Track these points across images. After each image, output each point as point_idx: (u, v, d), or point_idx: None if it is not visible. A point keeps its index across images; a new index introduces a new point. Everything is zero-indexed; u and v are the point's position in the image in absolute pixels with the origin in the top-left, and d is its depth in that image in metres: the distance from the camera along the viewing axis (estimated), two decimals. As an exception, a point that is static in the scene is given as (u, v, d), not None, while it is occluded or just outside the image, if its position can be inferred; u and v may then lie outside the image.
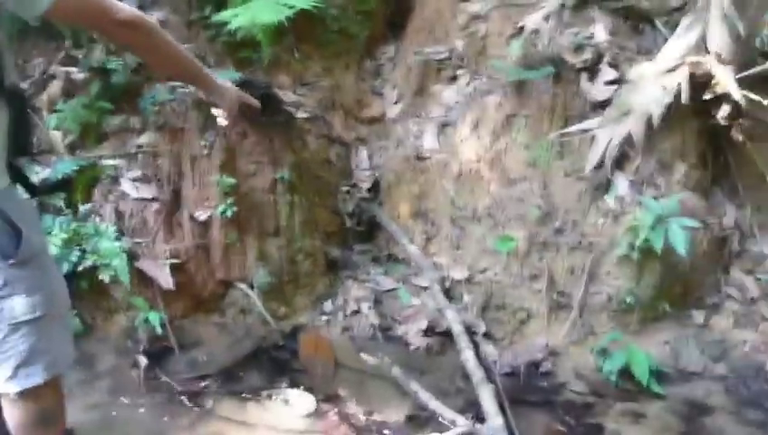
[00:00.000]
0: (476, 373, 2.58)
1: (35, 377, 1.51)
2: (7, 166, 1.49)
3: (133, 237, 2.80)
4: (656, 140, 2.94)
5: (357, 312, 2.98)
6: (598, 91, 3.00)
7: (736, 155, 3.22)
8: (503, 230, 3.00)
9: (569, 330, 2.89)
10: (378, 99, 3.82)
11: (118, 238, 2.73)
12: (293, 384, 2.60)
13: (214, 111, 2.26)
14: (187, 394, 2.49)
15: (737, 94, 2.83)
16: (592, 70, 3.03)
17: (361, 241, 3.45)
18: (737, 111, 2.97)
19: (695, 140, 3.08)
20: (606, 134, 2.92)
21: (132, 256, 2.72)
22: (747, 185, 3.21)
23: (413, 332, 2.89)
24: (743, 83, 2.95)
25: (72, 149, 2.97)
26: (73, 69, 3.09)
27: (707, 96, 2.90)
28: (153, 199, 2.86)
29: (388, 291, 3.12)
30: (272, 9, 2.99)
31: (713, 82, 2.89)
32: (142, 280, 2.75)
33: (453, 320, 2.84)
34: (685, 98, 2.83)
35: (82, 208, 2.80)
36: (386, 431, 2.37)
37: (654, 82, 2.94)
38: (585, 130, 2.97)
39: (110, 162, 2.93)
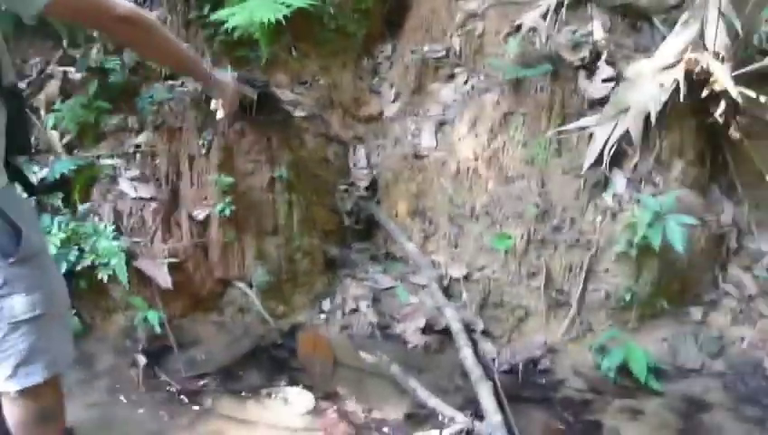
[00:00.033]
0: (475, 371, 2.58)
1: (35, 376, 1.52)
2: (5, 165, 1.50)
3: (131, 237, 2.80)
4: (653, 137, 2.95)
5: (355, 310, 2.99)
6: (595, 88, 3.00)
7: (734, 152, 3.22)
8: (500, 228, 3.00)
9: (567, 327, 2.90)
10: (375, 97, 3.83)
11: (116, 238, 2.72)
12: (292, 383, 2.60)
13: (213, 103, 2.27)
14: (187, 393, 2.49)
15: (734, 92, 2.83)
16: (590, 67, 3.04)
17: (360, 240, 3.45)
18: (735, 108, 2.98)
19: (692, 138, 3.08)
20: (604, 132, 2.92)
21: (131, 256, 2.72)
22: (745, 182, 3.22)
23: (411, 330, 2.89)
24: (740, 81, 2.95)
25: (69, 148, 2.98)
26: (71, 69, 3.10)
27: (705, 94, 2.91)
28: (151, 199, 2.87)
29: (387, 289, 3.12)
30: (269, 8, 2.99)
31: (710, 79, 2.90)
32: (141, 279, 2.74)
33: (451, 318, 2.85)
34: (682, 95, 2.83)
35: (81, 208, 2.80)
36: (385, 429, 2.37)
37: (651, 80, 2.94)
38: (583, 128, 2.97)
39: (108, 162, 2.94)
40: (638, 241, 2.74)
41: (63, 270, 2.52)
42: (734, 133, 3.08)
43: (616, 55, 3.08)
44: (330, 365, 2.73)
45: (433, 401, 2.47)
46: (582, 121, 2.98)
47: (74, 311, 2.58)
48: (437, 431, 2.31)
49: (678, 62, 2.93)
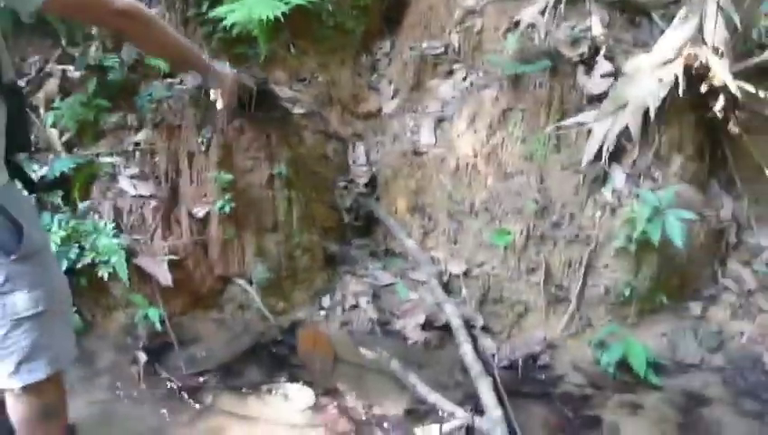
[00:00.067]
0: (475, 366, 2.59)
1: (38, 372, 1.52)
2: (6, 162, 1.50)
3: (131, 234, 2.80)
4: (652, 132, 2.95)
5: (355, 306, 2.99)
6: (594, 84, 3.00)
7: (733, 147, 3.23)
8: (500, 224, 3.01)
9: (567, 323, 2.90)
10: (374, 94, 3.83)
11: (116, 235, 2.73)
12: (293, 379, 2.60)
13: (212, 94, 2.28)
14: (187, 390, 2.49)
15: (733, 86, 2.84)
16: (589, 63, 3.04)
17: (359, 236, 3.46)
18: (734, 103, 2.98)
19: (691, 133, 3.09)
20: (602, 127, 2.92)
21: (131, 253, 2.72)
22: (744, 177, 3.23)
23: (411, 326, 2.90)
24: (739, 75, 2.95)
25: (69, 146, 2.98)
26: (70, 67, 3.09)
27: (704, 89, 2.91)
28: (151, 196, 2.87)
29: (387, 286, 3.13)
30: (267, 5, 2.99)
31: (709, 74, 2.90)
32: (141, 277, 2.75)
33: (451, 314, 2.85)
34: (681, 90, 2.83)
35: (81, 206, 2.80)
36: (385, 424, 2.38)
37: (650, 75, 2.94)
38: (581, 124, 2.97)
39: (108, 160, 2.94)
40: (638, 236, 2.74)
41: (64, 268, 2.52)
42: (734, 128, 3.08)
43: (614, 51, 3.08)
44: (330, 361, 2.73)
45: (433, 397, 2.47)
46: (581, 117, 2.98)
47: (75, 308, 2.58)
48: (438, 427, 2.32)
49: (677, 57, 2.93)
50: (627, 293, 2.84)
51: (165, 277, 2.73)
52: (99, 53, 3.05)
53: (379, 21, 3.96)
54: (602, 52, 3.04)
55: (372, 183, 3.57)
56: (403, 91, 3.68)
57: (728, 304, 2.98)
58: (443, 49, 3.56)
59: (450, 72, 3.53)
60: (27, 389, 1.53)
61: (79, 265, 2.63)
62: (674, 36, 2.99)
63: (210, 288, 2.93)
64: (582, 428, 2.43)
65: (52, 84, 3.07)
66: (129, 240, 2.76)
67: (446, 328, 2.86)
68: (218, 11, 3.11)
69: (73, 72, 3.02)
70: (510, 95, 3.07)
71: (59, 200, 2.79)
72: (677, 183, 2.93)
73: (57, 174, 2.74)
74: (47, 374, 1.54)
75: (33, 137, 2.83)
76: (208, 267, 2.92)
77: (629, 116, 2.90)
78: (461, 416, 2.36)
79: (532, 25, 3.14)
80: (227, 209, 2.83)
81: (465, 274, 3.06)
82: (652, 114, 2.86)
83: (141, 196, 2.85)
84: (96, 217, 2.79)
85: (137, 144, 2.97)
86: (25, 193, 1.66)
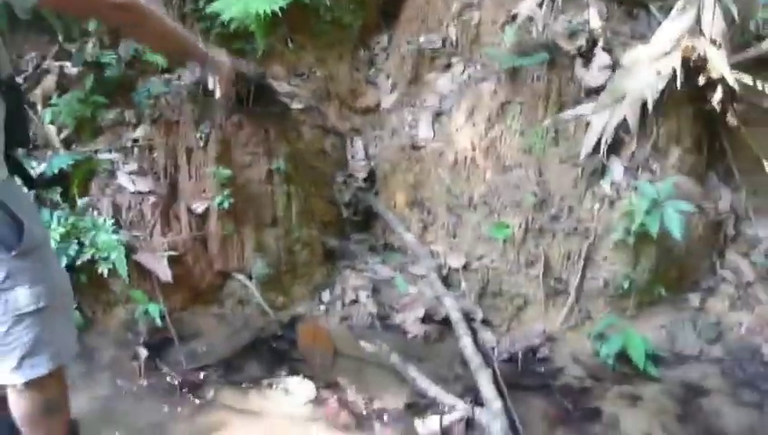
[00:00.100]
0: (474, 359, 2.60)
1: (40, 368, 1.53)
2: (5, 158, 1.50)
3: (131, 230, 2.80)
4: (650, 124, 2.95)
5: (355, 301, 3.00)
6: (592, 76, 3.00)
7: (731, 139, 3.23)
8: (498, 217, 3.01)
9: (566, 315, 2.91)
10: (372, 88, 3.83)
11: (115, 232, 2.73)
12: (293, 373, 2.61)
13: (210, 82, 2.29)
14: (188, 385, 2.50)
15: (731, 78, 2.84)
16: (587, 56, 3.04)
17: (358, 231, 3.47)
18: (732, 95, 2.98)
19: (689, 125, 3.09)
20: (600, 120, 2.92)
21: (130, 249, 2.72)
22: (742, 169, 3.23)
23: (411, 320, 2.90)
24: (737, 67, 2.96)
25: (67, 143, 2.98)
26: (67, 63, 3.09)
27: (702, 81, 2.91)
28: (150, 192, 2.87)
29: (386, 280, 3.14)
30: (264, 0, 2.98)
31: (707, 66, 2.90)
32: (141, 273, 2.75)
33: (451, 307, 2.86)
34: (679, 83, 2.84)
35: (79, 202, 2.80)
36: (386, 417, 2.39)
37: (648, 67, 2.94)
38: (579, 116, 2.97)
39: (106, 156, 2.94)
40: (636, 229, 2.75)
41: (64, 264, 2.52)
42: (732, 120, 3.09)
43: (612, 43, 3.08)
44: (330, 356, 2.74)
45: (433, 390, 2.48)
46: (579, 109, 2.98)
47: (75, 305, 2.59)
48: (438, 419, 2.33)
49: (675, 49, 2.92)
50: (626, 285, 2.85)
51: (164, 273, 2.73)
52: (96, 50, 3.04)
53: (377, 15, 3.96)
54: (600, 44, 3.04)
55: (371, 178, 3.57)
56: (401, 85, 3.67)
57: (727, 296, 2.99)
58: (440, 43, 3.56)
59: (448, 66, 3.52)
60: (30, 384, 1.54)
61: (78, 262, 2.63)
62: (671, 28, 2.99)
63: (210, 284, 2.93)
64: (582, 419, 2.44)
65: (49, 81, 3.06)
66: (129, 236, 2.76)
67: (446, 321, 2.87)
68: (215, 6, 3.11)
69: (71, 69, 3.02)
70: (508, 88, 3.07)
71: (57, 197, 2.79)
72: (676, 175, 2.93)
73: (55, 171, 2.74)
74: (49, 369, 1.54)
75: (31, 134, 2.83)
76: (208, 263, 2.92)
77: (627, 108, 2.90)
78: (461, 408, 2.37)
79: (530, 18, 3.14)
80: (226, 205, 2.83)
81: (465, 267, 3.06)
82: (650, 106, 2.87)
83: (140, 192, 2.85)
84: (95, 213, 2.80)
85: (135, 140, 2.97)
86: (25, 189, 1.66)
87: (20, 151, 1.65)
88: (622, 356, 2.66)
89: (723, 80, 2.89)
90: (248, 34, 3.32)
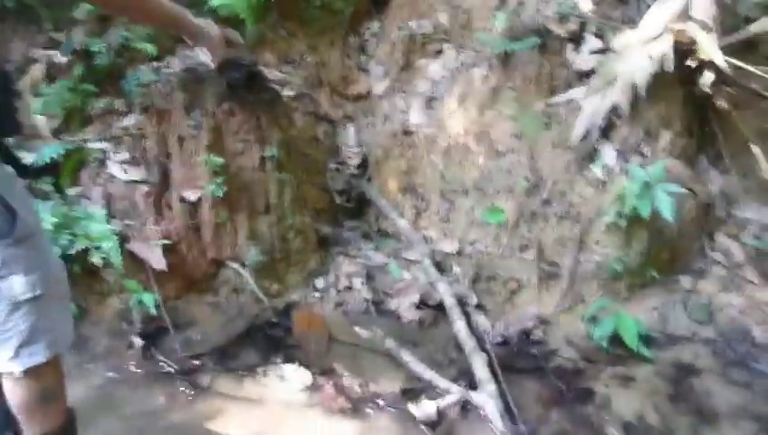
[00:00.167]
0: (469, 343, 2.61)
1: (37, 356, 1.52)
2: (-4, 146, 1.49)
3: (123, 220, 2.79)
4: (641, 108, 2.96)
5: (349, 287, 3.00)
6: (583, 60, 3.01)
7: (721, 122, 3.25)
8: (491, 202, 3.02)
9: (559, 299, 2.93)
10: (363, 75, 3.82)
11: (108, 221, 2.72)
12: (288, 360, 2.61)
13: (201, 55, 2.30)
14: (184, 373, 2.51)
15: (721, 61, 2.85)
16: (578, 40, 3.04)
17: (351, 217, 3.47)
18: (722, 78, 3.00)
19: (680, 109, 3.11)
20: (592, 104, 2.94)
21: (123, 239, 2.71)
22: (732, 152, 3.26)
23: (405, 305, 2.92)
24: (726, 50, 2.97)
25: (56, 133, 2.95)
26: (55, 52, 3.06)
27: (691, 64, 2.92)
28: (142, 181, 2.85)
29: (380, 266, 3.15)
30: (254, -14, 2.96)
31: (696, 49, 2.91)
32: (134, 262, 2.74)
33: (444, 292, 2.87)
34: (670, 66, 2.85)
35: (71, 192, 2.79)
36: (381, 402, 2.40)
37: (639, 51, 2.95)
38: (571, 100, 2.98)
39: (97, 145, 2.92)
40: (628, 211, 2.76)
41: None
42: (721, 103, 3.11)
43: (603, 28, 3.08)
44: (325, 342, 2.75)
45: (428, 374, 2.50)
46: (570, 94, 3.00)
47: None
48: (433, 403, 2.35)
49: (665, 32, 2.93)
50: (618, 268, 2.87)
51: (158, 262, 2.73)
52: (84, 38, 3.01)
53: (367, 1, 3.93)
54: (591, 28, 3.04)
55: (364, 164, 3.57)
56: (392, 71, 3.66)
57: (717, 278, 3.01)
58: (432, 28, 3.55)
59: (439, 52, 3.52)
60: (27, 372, 1.53)
61: (71, 252, 2.62)
62: (660, 12, 3.00)
63: (204, 272, 2.93)
64: (575, 400, 2.46)
65: (37, 70, 3.03)
66: (122, 226, 2.75)
67: (440, 307, 2.88)
68: (204, -8, 3.09)
69: (59, 58, 2.99)
70: (500, 73, 3.08)
71: (48, 187, 2.78)
72: (666, 159, 2.95)
73: (46, 160, 2.72)
74: (47, 357, 1.54)
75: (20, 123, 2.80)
76: (201, 251, 2.91)
77: (619, 92, 2.92)
78: (456, 391, 2.39)
79: (521, 3, 3.14)
80: (219, 193, 2.82)
81: (458, 252, 3.08)
82: (641, 90, 2.88)
83: (132, 181, 2.83)
84: (87, 203, 2.78)
85: (125, 129, 2.95)
86: (17, 178, 1.65)
87: (10, 141, 1.63)
88: (615, 338, 2.68)
89: (712, 63, 2.90)
90: (238, 21, 3.30)
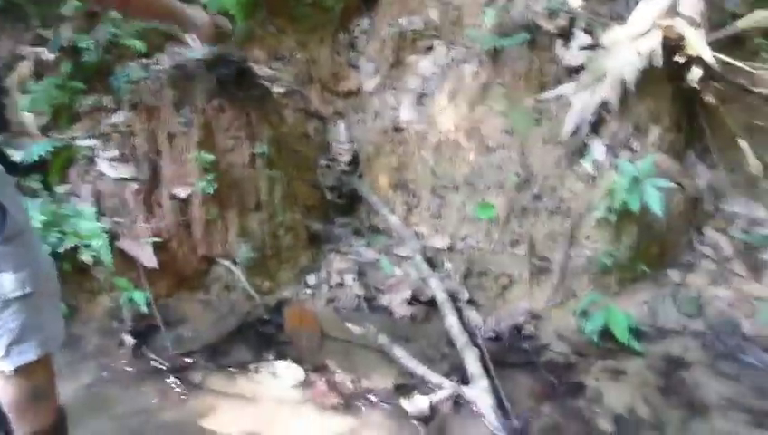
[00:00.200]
0: (461, 338, 2.62)
1: (28, 354, 1.51)
2: (-17, 143, 1.48)
3: (113, 217, 2.77)
4: (631, 104, 2.98)
5: (341, 284, 3.00)
6: (572, 56, 3.03)
7: (709, 117, 3.28)
8: (482, 198, 3.03)
9: (550, 293, 2.94)
10: (354, 72, 3.82)
11: (97, 219, 2.70)
12: (280, 357, 2.61)
13: (191, 41, 2.31)
14: (176, 370, 2.49)
15: (709, 57, 2.87)
16: (567, 36, 3.05)
17: (342, 214, 3.47)
18: (709, 73, 3.02)
19: (668, 104, 3.13)
20: (581, 99, 2.95)
21: (113, 237, 2.70)
22: (720, 146, 3.28)
23: (397, 301, 2.92)
24: (713, 46, 2.99)
25: (44, 130, 2.93)
26: (43, 49, 3.03)
27: (680, 59, 2.94)
28: (132, 179, 2.84)
29: (371, 262, 3.15)
30: (243, -18, 2.95)
31: (684, 45, 2.93)
32: (124, 260, 2.72)
33: (436, 288, 2.88)
34: (659, 62, 2.86)
35: (60, 190, 2.77)
36: (374, 398, 2.40)
37: (628, 47, 2.97)
38: (561, 96, 2.99)
39: (85, 143, 2.90)
40: (618, 206, 2.78)
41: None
42: (709, 98, 3.13)
43: (592, 23, 3.10)
44: (317, 338, 2.75)
45: (420, 370, 2.50)
46: (560, 89, 3.01)
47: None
48: (425, 398, 2.35)
49: (653, 28, 2.95)
50: (608, 262, 2.88)
51: (149, 259, 2.71)
52: (72, 35, 2.99)
53: (357, -2, 3.94)
54: (580, 24, 3.06)
55: (354, 161, 3.57)
56: (383, 68, 3.67)
57: (706, 271, 3.04)
58: (422, 25, 3.55)
59: (430, 48, 3.52)
60: (17, 371, 1.52)
61: (60, 250, 2.60)
62: (648, 8, 3.01)
63: (195, 269, 2.91)
64: (567, 394, 2.47)
65: (24, 67, 3.01)
66: (111, 223, 2.73)
67: (432, 302, 2.89)
68: (193, -11, 3.06)
69: (47, 55, 2.96)
70: (490, 69, 3.08)
71: (37, 185, 2.75)
72: (655, 154, 2.97)
73: (35, 158, 2.70)
74: (38, 356, 1.52)
75: (7, 121, 2.78)
76: (192, 248, 2.90)
77: (608, 88, 2.93)
78: (448, 386, 2.39)
79: (511, -1, 3.15)
80: (210, 190, 2.81)
81: (450, 248, 3.08)
82: (630, 86, 2.89)
83: (122, 178, 2.81)
84: (76, 200, 2.76)
85: (114, 126, 2.93)
86: (6, 175, 1.63)
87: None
88: (606, 332, 2.70)
89: (700, 59, 2.92)
90: (228, 18, 3.27)
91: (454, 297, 2.89)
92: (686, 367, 2.63)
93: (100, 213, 2.75)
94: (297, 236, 3.10)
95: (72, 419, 1.77)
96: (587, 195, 2.91)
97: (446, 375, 2.48)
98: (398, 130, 3.36)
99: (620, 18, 3.16)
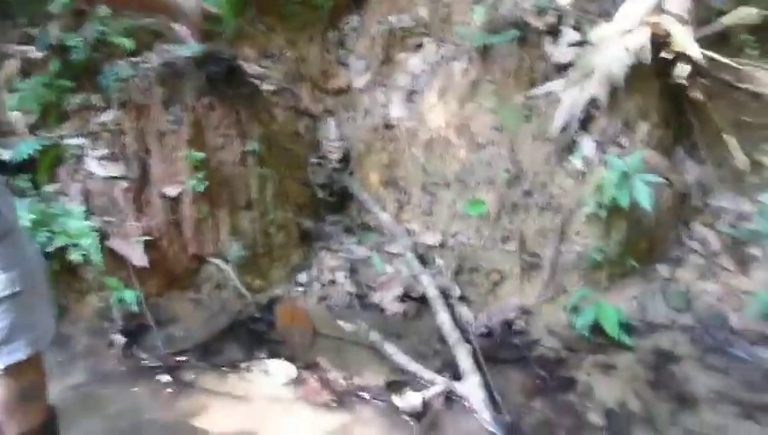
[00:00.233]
0: (452, 335, 2.63)
1: (18, 353, 1.50)
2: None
3: (102, 216, 2.76)
4: (620, 100, 3.00)
5: (332, 281, 3.00)
6: (561, 53, 3.04)
7: (697, 113, 3.30)
8: (473, 194, 3.04)
9: (541, 289, 2.95)
10: (343, 70, 3.82)
11: (87, 218, 2.68)
12: (272, 355, 2.61)
13: (178, 29, 2.31)
14: (167, 370, 2.48)
15: (697, 53, 2.89)
16: (556, 33, 3.07)
17: (333, 212, 3.47)
18: (696, 69, 3.04)
19: (657, 100, 3.15)
20: (570, 96, 2.96)
21: (103, 236, 2.68)
22: (707, 142, 3.30)
23: (389, 298, 2.92)
24: (699, 42, 3.01)
25: (32, 129, 2.91)
26: (30, 47, 3.01)
27: (667, 56, 2.96)
28: (121, 177, 2.82)
29: (363, 259, 3.15)
30: (232, -20, 2.95)
31: (670, 41, 2.95)
32: (114, 259, 2.71)
33: (428, 285, 2.89)
34: (647, 58, 2.88)
35: (48, 189, 2.75)
36: (366, 395, 2.41)
37: (616, 43, 2.98)
38: (550, 93, 3.00)
39: (74, 141, 2.88)
40: (607, 202, 2.80)
41: (34, 252, 2.47)
42: (696, 94, 3.15)
43: (581, 20, 3.11)
44: (309, 336, 2.75)
45: (413, 366, 2.51)
46: (549, 86, 3.02)
47: (47, 293, 2.54)
48: (418, 395, 2.35)
49: (640, 25, 2.97)
50: (598, 258, 2.90)
51: (139, 258, 2.70)
52: (60, 33, 2.97)
53: (346, -4, 3.94)
54: (568, 21, 3.07)
55: (345, 158, 3.57)
56: (373, 65, 3.67)
57: (694, 266, 3.06)
58: (412, 22, 3.56)
59: (419, 46, 3.53)
60: (6, 370, 1.51)
61: (49, 250, 2.58)
62: (635, 5, 3.03)
63: (186, 268, 2.90)
64: (558, 389, 2.49)
65: (11, 66, 2.99)
66: (101, 222, 2.72)
67: (423, 299, 2.89)
68: (182, -14, 3.04)
69: (35, 53, 2.94)
70: (479, 66, 3.09)
71: (25, 184, 2.73)
72: (644, 149, 2.98)
73: (23, 157, 2.68)
74: (27, 355, 1.51)
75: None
76: (183, 247, 2.89)
77: (596, 84, 2.95)
78: (440, 382, 2.40)
79: (499, -4, 3.16)
80: (200, 188, 2.80)
81: (441, 245, 3.09)
82: (619, 83, 2.91)
83: (111, 177, 2.80)
84: (65, 199, 2.74)
85: (103, 125, 2.91)
86: (-6, 173, 1.62)
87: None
88: (596, 327, 2.71)
89: (686, 55, 2.94)
90: (217, 16, 3.26)
91: (445, 294, 2.90)
92: (676, 361, 2.65)
93: (90, 212, 2.73)
94: (288, 234, 3.10)
95: (63, 419, 1.76)
96: (576, 191, 2.92)
97: (438, 371, 2.49)
98: (388, 127, 3.36)
99: (608, 15, 3.18)
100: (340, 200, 3.50)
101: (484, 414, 2.27)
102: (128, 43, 3.01)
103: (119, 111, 2.89)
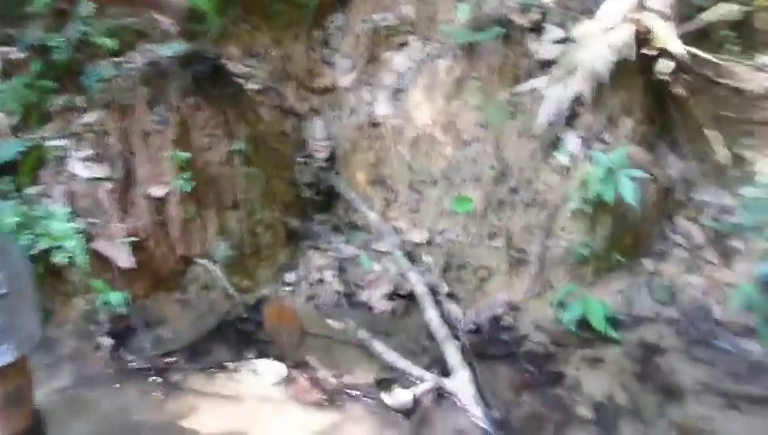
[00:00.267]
0: (441, 331, 2.64)
1: (3, 356, 1.48)
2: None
3: (87, 218, 2.73)
4: (604, 96, 3.02)
5: (320, 280, 3.00)
6: (545, 50, 3.06)
7: (679, 109, 3.33)
8: (459, 192, 3.05)
9: (528, 285, 2.97)
10: (329, 68, 3.81)
11: (70, 220, 2.66)
12: (261, 355, 2.60)
13: (163, 19, 2.31)
14: (155, 371, 2.47)
15: (680, 49, 2.92)
16: (539, 30, 3.09)
17: (321, 211, 3.46)
18: (679, 66, 3.08)
19: (640, 96, 3.17)
20: (555, 92, 2.98)
21: (87, 238, 2.66)
22: (690, 137, 3.34)
23: (377, 296, 2.93)
24: (682, 39, 3.05)
25: (14, 130, 2.87)
26: (11, 48, 2.97)
27: (650, 52, 2.99)
28: (105, 178, 2.80)
29: (350, 258, 3.15)
30: (216, -22, 2.93)
31: (651, 38, 2.98)
32: (99, 261, 2.69)
33: (416, 282, 2.90)
34: (631, 54, 2.90)
35: (31, 191, 2.72)
36: (356, 393, 2.41)
37: (599, 40, 3.00)
38: (535, 89, 3.02)
39: (57, 143, 2.85)
40: (592, 197, 2.82)
41: (18, 255, 2.44)
42: (678, 90, 3.19)
43: (564, 17, 3.13)
44: (297, 335, 2.74)
45: (402, 363, 2.52)
46: (533, 83, 3.04)
47: (31, 296, 2.51)
48: (407, 392, 2.36)
49: (623, 22, 2.99)
50: (584, 253, 2.92)
51: (125, 260, 2.68)
52: (41, 33, 2.93)
53: (331, -6, 3.92)
54: (551, 18, 3.09)
55: (331, 157, 3.56)
56: (358, 64, 3.66)
57: (679, 259, 3.09)
58: (396, 20, 3.56)
59: (404, 44, 3.53)
60: (-8, 374, 1.50)
61: (33, 253, 2.55)
62: (616, 2, 3.05)
63: (172, 269, 2.88)
64: (547, 383, 2.51)
65: (-8, 67, 2.95)
66: (85, 224, 2.69)
67: (412, 296, 2.90)
68: (165, -15, 3.02)
69: (16, 54, 2.90)
70: (464, 64, 3.10)
71: (7, 186, 2.70)
72: (628, 145, 3.01)
73: (6, 159, 2.65)
74: (14, 357, 1.50)
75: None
76: (169, 248, 2.87)
77: (580, 81, 2.96)
78: (429, 379, 2.41)
79: (483, -7, 3.17)
80: (187, 188, 2.78)
81: (428, 242, 3.10)
82: (604, 78, 2.93)
83: (95, 178, 2.77)
84: (48, 202, 2.71)
85: (87, 126, 2.88)
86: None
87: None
88: (583, 321, 2.73)
89: (668, 51, 2.97)
90: (201, 15, 3.24)
91: (433, 291, 2.90)
92: (662, 353, 2.68)
93: (74, 214, 2.70)
94: (275, 233, 3.09)
95: (50, 422, 1.74)
96: (562, 187, 2.94)
97: (427, 368, 2.50)
98: (374, 125, 3.36)
99: (590, 12, 3.20)
100: (327, 199, 3.50)
101: (474, 410, 2.28)
102: (110, 43, 2.98)
103: (102, 111, 2.86)
